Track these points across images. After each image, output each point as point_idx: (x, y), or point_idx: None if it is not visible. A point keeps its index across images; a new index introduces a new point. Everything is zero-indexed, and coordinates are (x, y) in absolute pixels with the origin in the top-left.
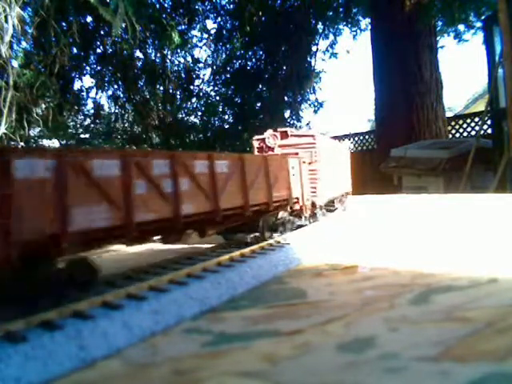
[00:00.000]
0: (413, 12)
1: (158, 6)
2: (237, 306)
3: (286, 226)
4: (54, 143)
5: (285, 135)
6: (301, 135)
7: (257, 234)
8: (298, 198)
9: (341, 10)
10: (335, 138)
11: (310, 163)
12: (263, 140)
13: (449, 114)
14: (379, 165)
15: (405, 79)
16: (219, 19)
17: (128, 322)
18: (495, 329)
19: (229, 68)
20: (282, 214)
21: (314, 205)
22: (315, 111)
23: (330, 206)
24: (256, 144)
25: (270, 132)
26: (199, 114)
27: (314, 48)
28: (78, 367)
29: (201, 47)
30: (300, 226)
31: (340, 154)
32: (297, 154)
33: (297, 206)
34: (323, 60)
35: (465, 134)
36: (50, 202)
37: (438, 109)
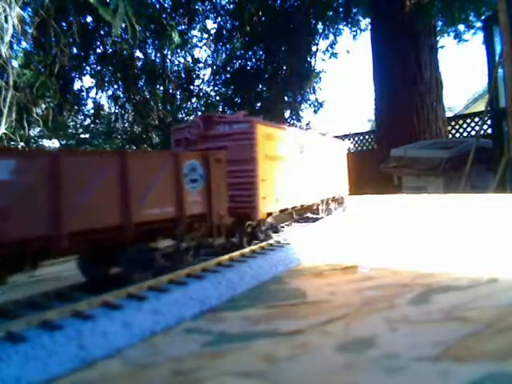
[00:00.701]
0: (413, 12)
1: (158, 5)
2: (237, 306)
3: (177, 258)
4: (54, 143)
5: (210, 123)
6: (232, 122)
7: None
8: (203, 215)
9: (341, 9)
10: (335, 138)
11: (240, 161)
12: (184, 130)
13: (449, 114)
14: (379, 165)
15: (405, 79)
16: (219, 19)
17: (128, 321)
18: (495, 329)
19: (229, 68)
20: (166, 241)
21: (245, 220)
22: (315, 111)
23: (314, 214)
24: (175, 136)
25: (195, 119)
26: (199, 114)
27: (314, 48)
28: (78, 367)
29: (201, 47)
30: (215, 254)
31: (325, 151)
32: (225, 148)
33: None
34: (323, 60)
35: (465, 134)
36: None
37: (438, 109)
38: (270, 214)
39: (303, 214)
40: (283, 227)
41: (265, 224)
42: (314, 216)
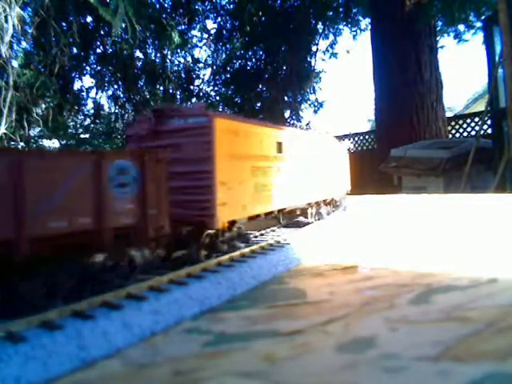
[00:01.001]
0: (413, 12)
1: (157, 6)
2: (237, 306)
3: (102, 279)
4: (54, 143)
5: (163, 117)
6: (187, 115)
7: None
8: (136, 226)
9: (341, 9)
10: (335, 137)
11: (194, 161)
12: (136, 126)
13: (449, 114)
14: (379, 165)
15: (405, 79)
16: (219, 19)
17: (128, 321)
18: (495, 329)
19: (229, 68)
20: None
21: (202, 230)
22: (315, 111)
23: (305, 218)
24: (128, 132)
25: (146, 112)
26: None
27: (314, 48)
28: (78, 367)
29: (201, 47)
30: (157, 271)
31: (315, 149)
32: (179, 145)
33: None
34: (323, 60)
35: (465, 134)
36: None
37: (438, 109)
38: (233, 222)
39: (293, 219)
40: (263, 234)
41: (224, 235)
42: (305, 220)
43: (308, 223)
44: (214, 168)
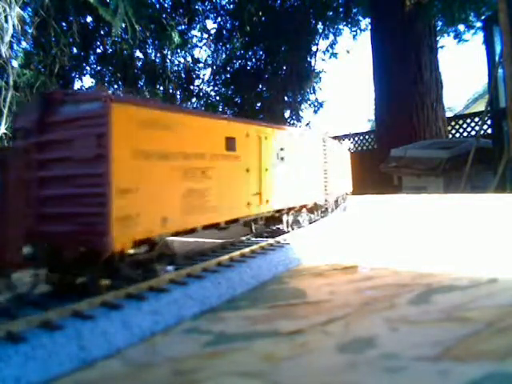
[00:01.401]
0: (413, 12)
1: (157, 6)
2: (237, 306)
3: None
4: None
5: (53, 104)
6: (81, 100)
7: None
8: None
9: (341, 9)
10: (335, 138)
11: (82, 161)
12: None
13: (449, 114)
14: (379, 165)
15: (405, 79)
16: (219, 19)
17: (128, 322)
18: (495, 329)
19: (229, 68)
20: None
21: (95, 255)
22: (315, 111)
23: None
24: (15, 124)
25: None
26: None
27: (314, 48)
28: (78, 367)
29: (201, 47)
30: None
31: (286, 146)
32: (70, 141)
33: None
34: (323, 60)
35: (465, 134)
36: None
37: (438, 109)
38: (148, 242)
39: (270, 226)
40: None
41: (124, 260)
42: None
43: (284, 232)
44: (108, 170)
